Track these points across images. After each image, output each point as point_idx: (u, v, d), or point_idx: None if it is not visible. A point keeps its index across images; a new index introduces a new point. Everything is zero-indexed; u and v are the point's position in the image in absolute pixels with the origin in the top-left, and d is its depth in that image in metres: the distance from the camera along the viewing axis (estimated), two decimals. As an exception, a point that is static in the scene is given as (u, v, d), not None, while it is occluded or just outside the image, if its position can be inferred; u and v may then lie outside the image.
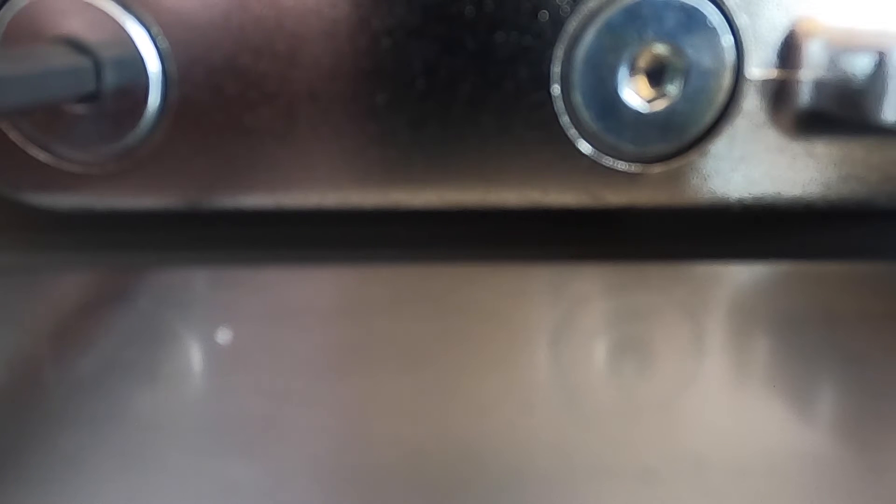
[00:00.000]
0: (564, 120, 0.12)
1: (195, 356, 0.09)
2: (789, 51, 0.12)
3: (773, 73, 0.12)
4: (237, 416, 0.08)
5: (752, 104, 0.12)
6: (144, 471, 0.07)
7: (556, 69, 0.12)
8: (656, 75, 0.12)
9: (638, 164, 0.12)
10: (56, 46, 0.11)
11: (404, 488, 0.07)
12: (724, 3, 0.11)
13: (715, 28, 0.11)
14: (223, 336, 0.10)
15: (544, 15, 0.11)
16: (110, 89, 0.11)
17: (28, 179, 0.12)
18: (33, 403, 0.08)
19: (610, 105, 0.12)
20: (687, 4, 0.11)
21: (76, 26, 0.11)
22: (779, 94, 0.12)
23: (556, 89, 0.12)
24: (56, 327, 0.10)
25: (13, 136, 0.12)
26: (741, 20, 0.11)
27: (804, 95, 0.12)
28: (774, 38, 0.12)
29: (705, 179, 0.12)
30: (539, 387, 0.09)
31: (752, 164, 0.12)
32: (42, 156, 0.12)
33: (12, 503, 0.07)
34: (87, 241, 0.13)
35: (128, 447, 0.07)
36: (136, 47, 0.11)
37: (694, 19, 0.11)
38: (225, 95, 0.12)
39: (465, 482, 0.07)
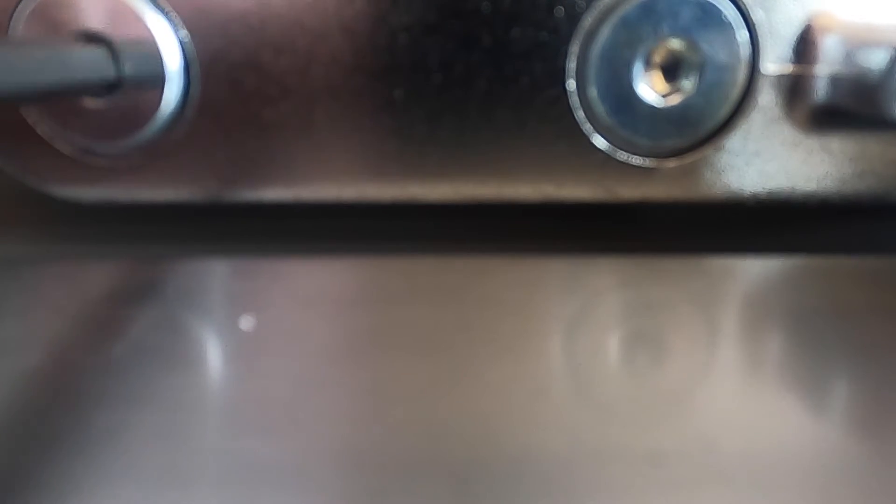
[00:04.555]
0: (579, 115, 0.12)
1: (219, 342, 0.10)
2: (805, 46, 0.12)
3: (788, 68, 0.12)
4: (260, 399, 0.08)
5: (767, 99, 0.12)
6: (173, 448, 0.07)
7: (571, 64, 0.12)
8: (671, 70, 0.12)
9: (652, 158, 0.12)
10: (75, 39, 0.11)
11: (421, 467, 0.07)
12: (739, -2, 0.11)
13: (730, 23, 0.11)
14: (246, 323, 0.10)
15: (560, 11, 0.12)
16: (130, 82, 0.11)
17: (54, 172, 0.13)
18: (66, 384, 0.08)
19: (625, 100, 0.12)
20: None
21: (96, 18, 0.11)
22: (794, 89, 0.12)
23: (571, 84, 0.12)
24: (86, 314, 0.10)
25: (40, 130, 0.12)
26: (756, 15, 0.11)
27: (819, 90, 0.12)
28: (790, 33, 0.12)
29: (720, 174, 0.12)
30: (552, 374, 0.09)
31: (767, 158, 0.12)
32: (67, 149, 0.12)
33: (50, 477, 0.07)
34: (112, 233, 0.14)
35: (157, 426, 0.08)
36: (156, 41, 0.12)
37: (709, 14, 0.11)
38: (245, 90, 0.12)
39: (480, 462, 0.07)
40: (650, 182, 0.13)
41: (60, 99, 0.12)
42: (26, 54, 0.09)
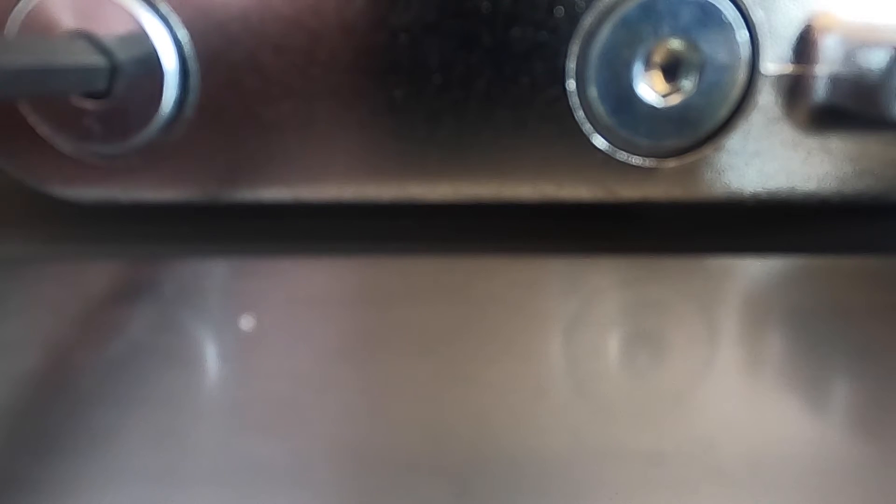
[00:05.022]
0: (579, 115, 0.12)
1: (219, 342, 0.10)
2: (804, 46, 0.12)
3: (788, 68, 0.12)
4: (259, 399, 0.08)
5: (767, 99, 0.12)
6: (171, 447, 0.07)
7: (571, 64, 0.12)
8: (671, 70, 0.12)
9: (652, 158, 0.12)
10: (72, 40, 0.11)
11: (422, 467, 0.07)
12: (739, -2, 0.11)
13: (730, 23, 0.11)
14: (246, 323, 0.10)
15: (560, 10, 0.12)
16: (127, 83, 0.11)
17: (54, 172, 0.13)
18: (66, 384, 0.09)
19: (625, 100, 0.12)
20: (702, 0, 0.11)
21: (93, 20, 0.11)
22: (794, 89, 0.12)
23: (571, 84, 0.12)
24: (85, 314, 0.10)
25: (40, 130, 0.12)
26: (756, 15, 0.11)
27: (819, 90, 0.12)
28: (790, 33, 0.12)
29: (720, 174, 0.12)
30: (553, 374, 0.09)
31: (767, 158, 0.12)
32: (67, 149, 0.12)
33: (48, 476, 0.07)
34: (112, 233, 0.14)
35: (155, 426, 0.08)
36: (153, 42, 0.12)
37: (709, 14, 0.11)
38: (245, 90, 0.12)
39: (480, 461, 0.07)
40: (650, 182, 0.13)
41: (57, 99, 0.12)
42: (22, 54, 0.09)
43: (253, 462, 0.07)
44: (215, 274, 0.12)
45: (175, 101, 0.12)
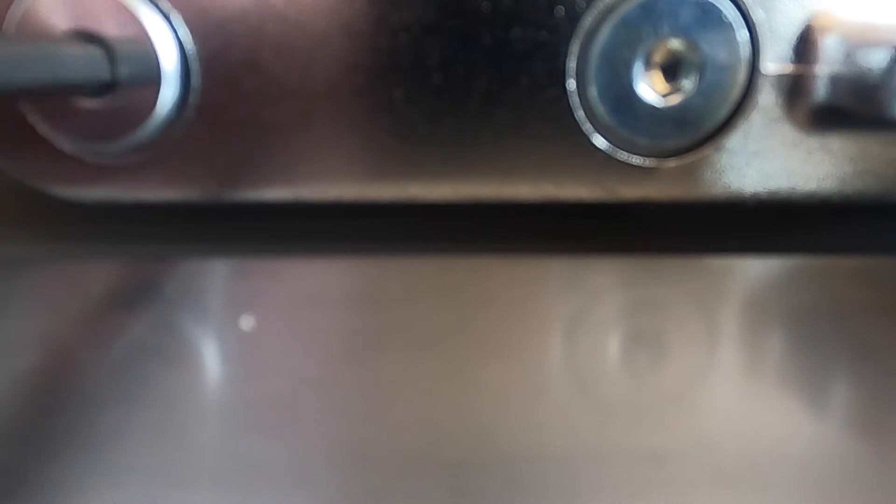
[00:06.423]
0: (579, 114, 0.12)
1: (219, 341, 0.10)
2: (805, 45, 0.12)
3: (788, 68, 0.12)
4: (260, 399, 0.08)
5: (767, 99, 0.12)
6: (174, 447, 0.07)
7: (571, 64, 0.12)
8: (671, 70, 0.12)
9: (653, 158, 0.12)
10: (70, 39, 0.11)
11: (421, 467, 0.07)
12: (739, -2, 0.11)
13: (730, 23, 0.11)
14: (246, 323, 0.10)
15: (560, 10, 0.12)
16: (126, 82, 0.11)
17: (55, 172, 0.13)
18: (66, 384, 0.09)
19: (625, 100, 0.12)
20: None
21: (92, 18, 0.11)
22: (794, 88, 0.12)
23: (571, 84, 0.12)
24: (88, 314, 0.10)
25: (40, 130, 0.12)
26: (757, 15, 0.11)
27: (820, 90, 0.12)
28: (790, 33, 0.12)
29: (720, 174, 0.12)
30: (552, 374, 0.09)
31: (767, 158, 0.12)
32: (67, 149, 0.12)
33: (52, 475, 0.07)
34: (112, 233, 0.14)
35: (155, 426, 0.08)
36: (152, 40, 0.12)
37: (709, 14, 0.11)
38: (245, 90, 0.12)
39: (479, 462, 0.07)
40: (650, 182, 0.13)
41: (56, 97, 0.12)
42: (19, 51, 0.09)
43: (253, 462, 0.07)
44: (215, 274, 0.12)
45: (175, 101, 0.12)
